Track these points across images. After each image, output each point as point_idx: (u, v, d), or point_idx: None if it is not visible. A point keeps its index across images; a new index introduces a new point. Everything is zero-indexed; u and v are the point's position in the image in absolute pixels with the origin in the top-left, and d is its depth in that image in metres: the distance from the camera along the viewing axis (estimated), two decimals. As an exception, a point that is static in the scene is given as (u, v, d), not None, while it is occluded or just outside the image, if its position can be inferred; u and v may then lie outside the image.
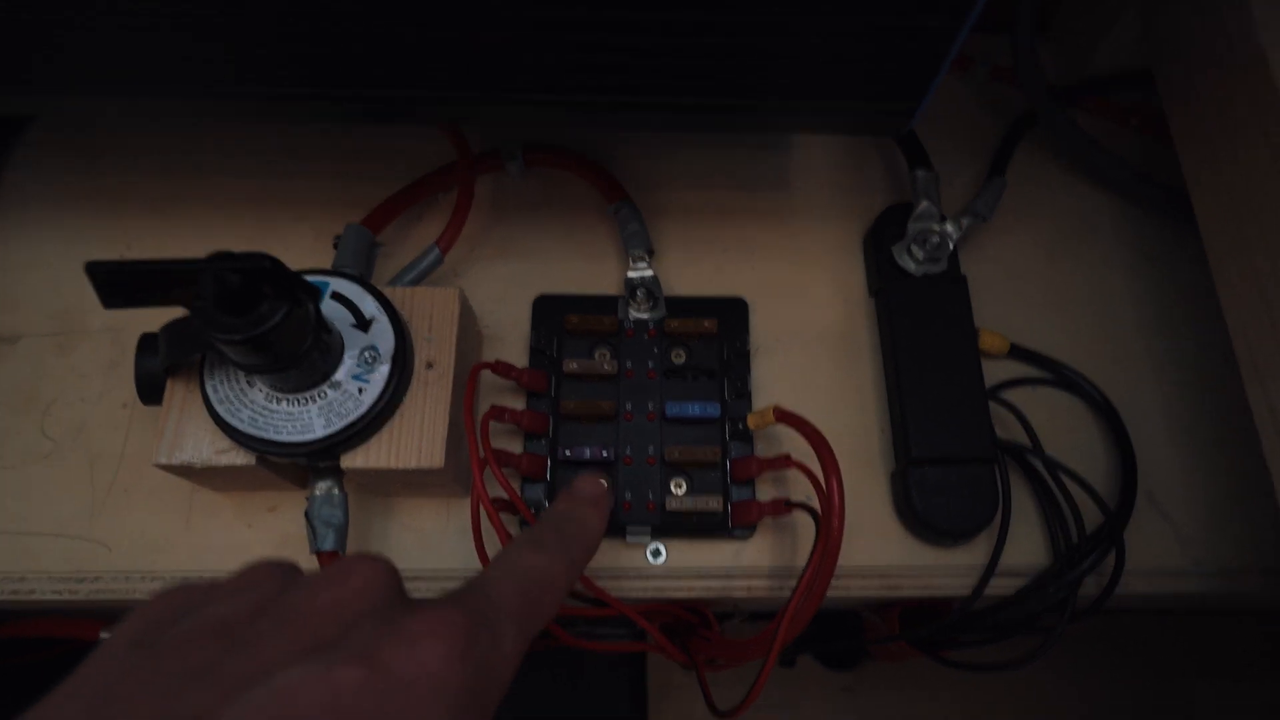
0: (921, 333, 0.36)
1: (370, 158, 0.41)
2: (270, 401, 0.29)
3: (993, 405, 0.36)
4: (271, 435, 0.29)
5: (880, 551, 0.35)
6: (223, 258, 0.24)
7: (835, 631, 0.48)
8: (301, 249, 0.39)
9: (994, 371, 0.37)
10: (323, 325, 0.28)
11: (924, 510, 0.34)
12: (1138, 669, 0.64)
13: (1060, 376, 0.38)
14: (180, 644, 0.17)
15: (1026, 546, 0.35)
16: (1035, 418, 0.36)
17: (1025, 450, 0.36)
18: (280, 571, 0.20)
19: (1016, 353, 0.38)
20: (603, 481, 0.28)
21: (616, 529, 0.33)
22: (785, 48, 0.27)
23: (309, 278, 0.31)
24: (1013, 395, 0.37)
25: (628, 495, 0.33)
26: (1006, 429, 0.36)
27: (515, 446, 0.35)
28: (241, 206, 0.40)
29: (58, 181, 0.40)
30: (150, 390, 0.31)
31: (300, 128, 0.42)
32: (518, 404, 0.36)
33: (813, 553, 0.29)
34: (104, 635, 0.39)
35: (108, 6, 0.26)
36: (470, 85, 0.30)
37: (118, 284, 0.24)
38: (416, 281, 0.36)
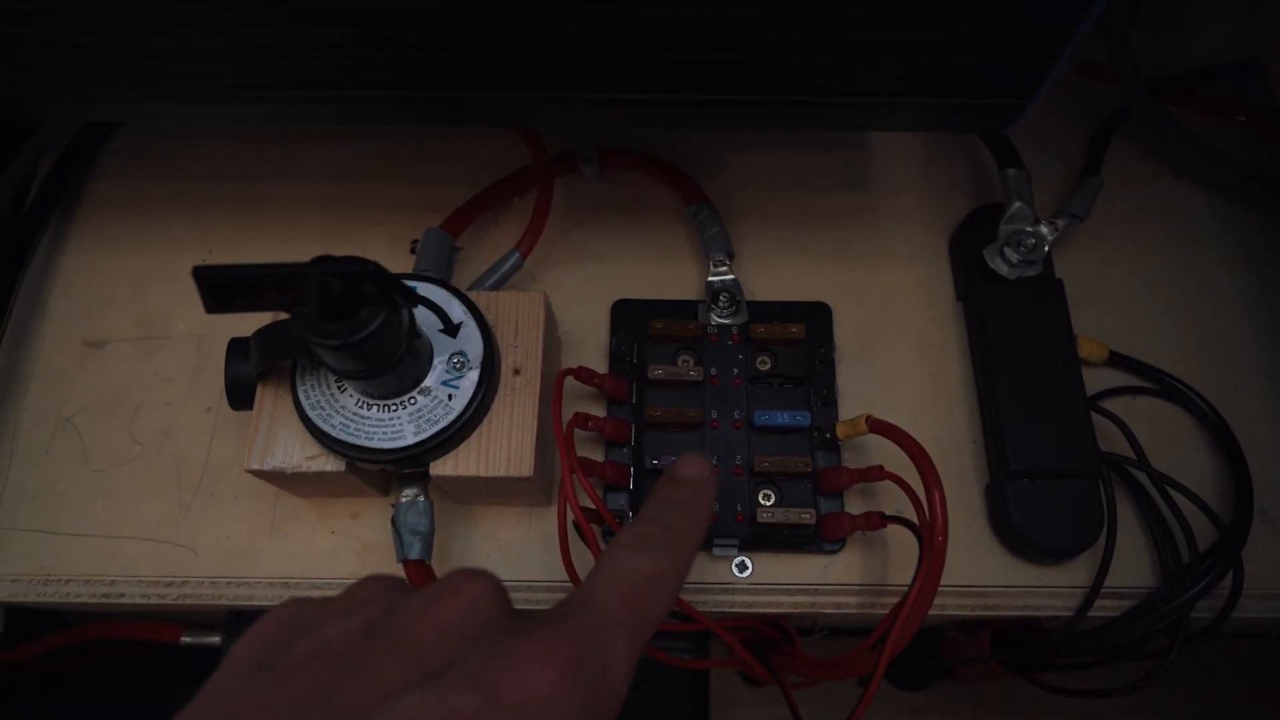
0: (1017, 338, 0.35)
1: (445, 163, 0.41)
2: (361, 408, 0.29)
3: (1093, 416, 0.34)
4: (363, 441, 0.29)
5: (976, 569, 0.33)
6: (326, 261, 0.24)
7: (913, 650, 0.46)
8: (378, 254, 0.38)
9: (1092, 380, 0.36)
10: (415, 331, 0.28)
11: (1024, 526, 0.32)
12: (1234, 696, 0.61)
13: (1164, 386, 0.36)
14: (299, 667, 0.18)
15: (1132, 566, 0.33)
16: (1137, 429, 0.34)
17: (1130, 463, 0.34)
18: (389, 587, 0.20)
19: (1116, 360, 0.36)
20: (705, 460, 0.26)
21: (703, 541, 0.32)
22: (891, 39, 0.26)
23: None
24: (1113, 405, 0.35)
25: (716, 506, 0.32)
26: (1107, 441, 0.35)
27: (595, 455, 0.34)
28: (319, 212, 0.40)
29: (140, 189, 0.41)
30: (240, 395, 0.31)
31: (377, 133, 0.42)
32: (597, 411, 0.35)
33: (917, 570, 0.28)
34: (185, 640, 0.40)
35: (190, 12, 0.26)
36: (545, 86, 0.29)
37: (223, 289, 0.24)
38: (497, 286, 0.35)
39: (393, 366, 0.27)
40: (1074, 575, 0.33)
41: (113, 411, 0.36)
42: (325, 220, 0.40)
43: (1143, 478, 0.34)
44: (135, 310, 0.38)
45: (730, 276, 0.36)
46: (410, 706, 0.16)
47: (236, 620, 0.37)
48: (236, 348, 0.31)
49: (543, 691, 0.16)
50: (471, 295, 0.31)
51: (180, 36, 0.27)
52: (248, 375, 0.30)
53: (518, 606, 0.33)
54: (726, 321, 0.35)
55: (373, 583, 0.20)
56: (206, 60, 0.28)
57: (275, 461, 0.30)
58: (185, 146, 0.42)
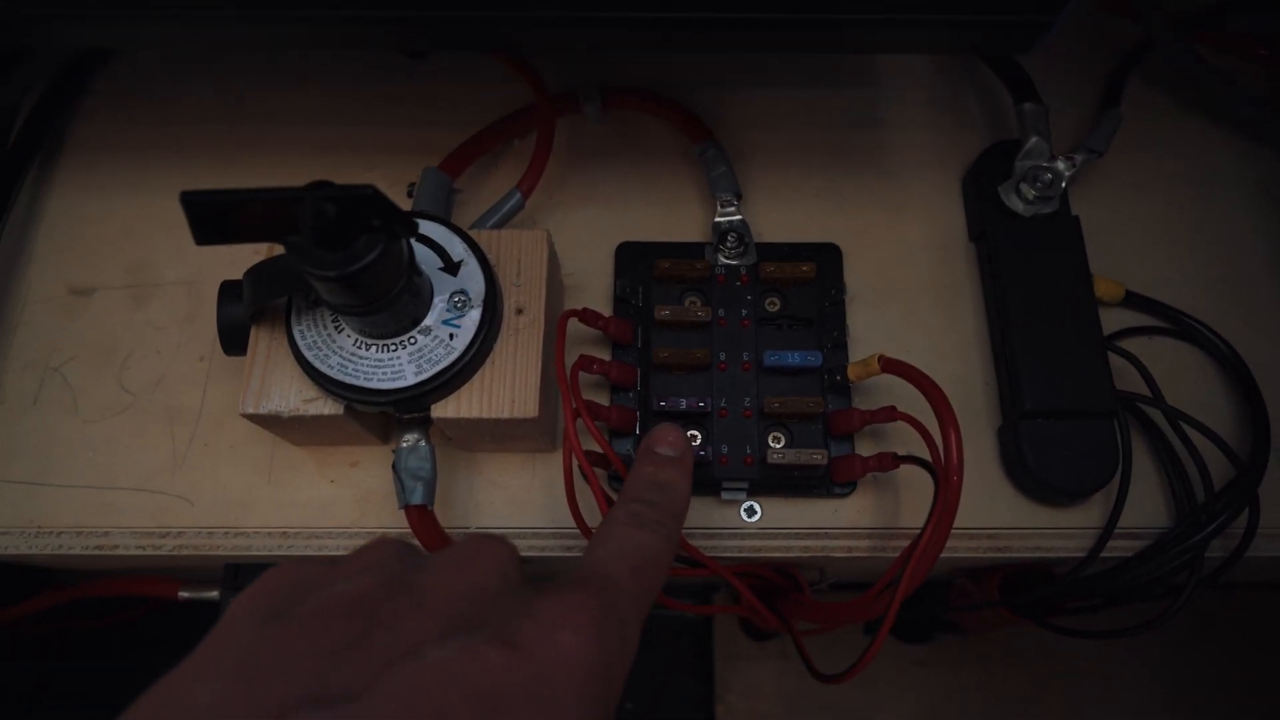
0: (1032, 276, 0.34)
1: (443, 105, 0.40)
2: (359, 348, 0.28)
3: (1109, 356, 0.34)
4: (361, 382, 0.28)
5: (988, 511, 0.33)
6: (323, 186, 0.22)
7: (919, 601, 0.46)
8: None
9: (1108, 321, 0.35)
10: (414, 265, 0.27)
11: (1038, 467, 0.32)
12: (1229, 644, 0.61)
13: (1180, 326, 0.35)
14: (319, 618, 0.17)
15: (1147, 505, 0.33)
16: (1154, 369, 0.34)
17: (1145, 401, 0.33)
18: (400, 550, 0.20)
19: (1132, 300, 0.36)
20: (681, 431, 0.27)
21: (711, 485, 0.32)
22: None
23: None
24: (1129, 345, 0.35)
25: (724, 449, 0.32)
26: (1123, 380, 0.34)
27: (601, 399, 0.33)
28: (312, 154, 0.39)
29: (126, 132, 0.39)
30: (234, 339, 0.30)
31: (373, 74, 0.40)
32: (602, 355, 0.34)
33: (932, 508, 0.28)
34: (183, 595, 0.39)
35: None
36: (539, 4, 0.28)
37: (212, 216, 0.23)
38: (498, 227, 0.34)
39: (392, 302, 0.26)
40: (1087, 516, 0.33)
41: (102, 361, 0.35)
42: (319, 163, 0.39)
43: (1158, 416, 0.33)
44: (124, 257, 0.37)
45: (738, 216, 0.35)
46: (443, 655, 0.16)
47: (234, 575, 0.36)
48: (229, 291, 0.30)
49: (569, 651, 0.17)
50: (472, 233, 0.30)
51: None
52: (241, 317, 0.29)
53: (524, 554, 0.33)
54: (734, 262, 0.34)
55: (383, 545, 0.20)
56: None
57: (271, 405, 0.29)
58: (173, 87, 0.40)
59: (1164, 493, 0.33)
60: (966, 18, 0.26)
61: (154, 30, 0.30)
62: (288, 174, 0.38)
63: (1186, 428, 0.33)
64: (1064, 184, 0.34)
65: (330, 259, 0.23)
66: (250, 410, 0.29)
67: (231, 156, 0.39)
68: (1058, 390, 0.32)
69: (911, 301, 0.36)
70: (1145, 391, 0.34)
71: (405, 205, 0.36)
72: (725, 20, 0.28)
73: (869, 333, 0.35)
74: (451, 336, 0.28)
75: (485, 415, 0.28)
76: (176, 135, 0.39)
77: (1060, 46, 0.40)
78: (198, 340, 0.35)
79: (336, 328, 0.28)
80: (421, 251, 0.29)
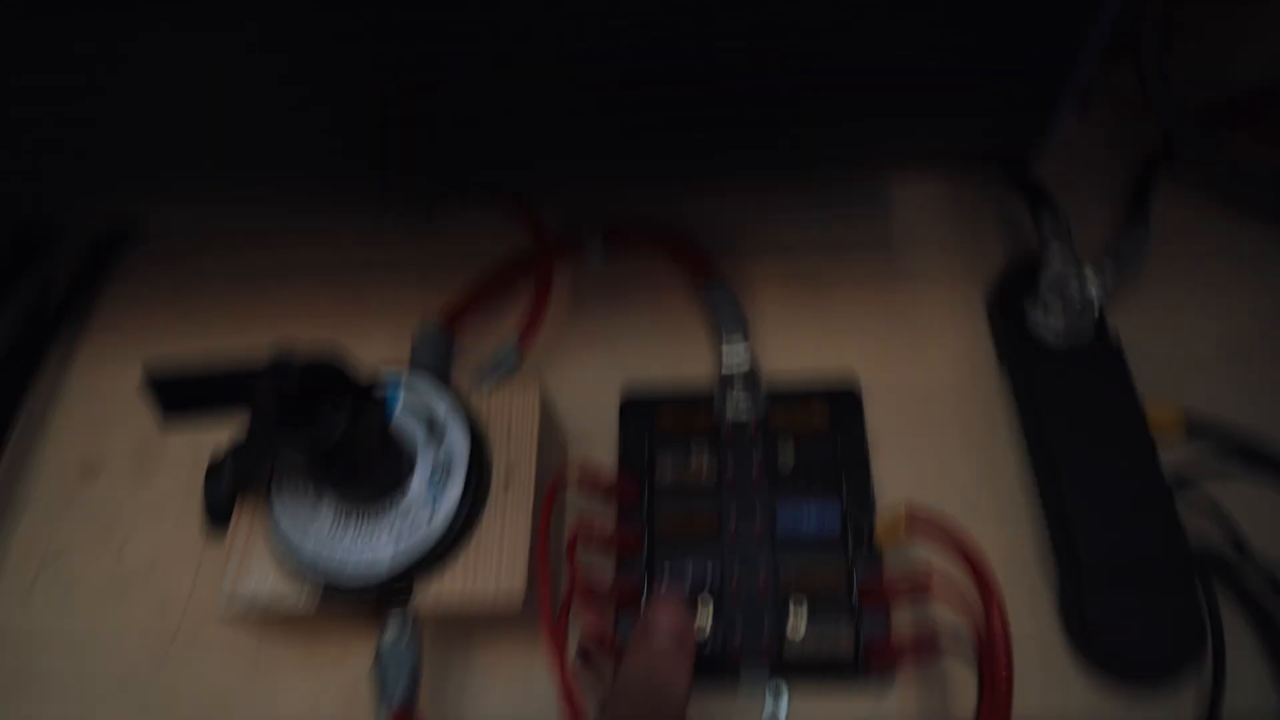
0: (1075, 415, 0.31)
1: (451, 255, 0.39)
2: (337, 529, 0.26)
3: (1178, 502, 0.29)
4: (334, 573, 0.26)
5: (1052, 697, 0.28)
6: (282, 366, 0.21)
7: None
8: (383, 350, 0.37)
9: (1168, 457, 0.31)
10: (389, 440, 0.25)
11: (1109, 642, 0.27)
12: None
13: (1256, 456, 0.31)
14: None
15: (1249, 686, 0.27)
16: (1234, 515, 0.29)
17: (1228, 558, 0.29)
18: None
19: (1194, 429, 0.31)
20: (680, 606, 0.25)
21: (728, 672, 0.28)
22: (888, 89, 0.23)
23: (384, 371, 0.29)
24: (1199, 488, 0.30)
25: (738, 630, 0.28)
26: (1199, 531, 0.29)
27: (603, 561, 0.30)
28: (323, 312, 0.39)
29: (145, 308, 0.41)
30: (219, 521, 0.29)
31: (384, 227, 0.41)
32: (608, 511, 0.31)
33: (978, 710, 0.23)
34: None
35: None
36: (542, 151, 0.28)
37: (174, 396, 0.22)
38: (496, 379, 0.33)
39: (365, 474, 0.25)
40: (1178, 705, 0.27)
41: (100, 543, 0.34)
42: (330, 320, 0.38)
43: (1248, 573, 0.28)
44: (134, 434, 0.36)
45: (746, 361, 0.33)
46: None
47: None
48: (214, 471, 0.29)
49: None
50: (459, 392, 0.29)
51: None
52: (221, 498, 0.28)
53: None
54: (744, 417, 0.32)
55: None
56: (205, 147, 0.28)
57: (249, 588, 0.27)
58: (187, 262, 0.41)
59: (1266, 668, 0.28)
60: (953, 145, 0.25)
61: (164, 197, 0.30)
62: (302, 331, 0.38)
63: (1287, 589, 0.28)
64: (1097, 308, 0.32)
65: (294, 438, 0.22)
66: (229, 610, 0.27)
67: (247, 325, 0.39)
68: (1119, 548, 0.28)
69: (941, 438, 0.33)
70: (1228, 545, 0.29)
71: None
72: (723, 141, 0.27)
73: (894, 480, 0.32)
74: (431, 516, 0.26)
75: (468, 603, 0.26)
76: (193, 308, 0.40)
77: (1076, 157, 0.39)
78: (195, 519, 0.34)
79: (314, 507, 0.27)
80: (406, 419, 0.28)
